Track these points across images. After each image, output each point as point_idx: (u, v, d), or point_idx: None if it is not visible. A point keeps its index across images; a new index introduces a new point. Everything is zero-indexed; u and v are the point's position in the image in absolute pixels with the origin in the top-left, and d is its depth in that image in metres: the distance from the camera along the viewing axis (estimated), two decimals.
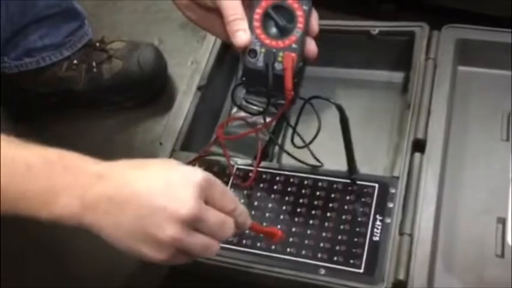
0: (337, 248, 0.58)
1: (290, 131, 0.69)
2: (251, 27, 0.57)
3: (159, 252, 0.44)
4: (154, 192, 0.44)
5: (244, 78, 0.60)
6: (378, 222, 0.58)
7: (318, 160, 0.63)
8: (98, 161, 0.46)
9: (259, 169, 0.65)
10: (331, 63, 0.77)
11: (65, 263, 0.76)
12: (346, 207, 0.60)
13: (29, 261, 0.76)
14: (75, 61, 0.85)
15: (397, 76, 0.75)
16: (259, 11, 0.57)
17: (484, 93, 0.69)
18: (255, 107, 0.70)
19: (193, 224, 0.44)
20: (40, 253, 0.76)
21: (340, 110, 0.55)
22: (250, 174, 0.64)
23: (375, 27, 0.73)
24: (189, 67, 0.88)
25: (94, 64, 0.85)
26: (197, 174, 0.45)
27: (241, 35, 0.56)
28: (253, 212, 0.61)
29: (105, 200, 0.44)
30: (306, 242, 0.58)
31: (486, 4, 0.80)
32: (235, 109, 0.76)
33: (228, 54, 0.78)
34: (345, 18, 0.81)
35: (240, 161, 0.66)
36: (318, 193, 0.62)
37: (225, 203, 0.46)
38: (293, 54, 0.56)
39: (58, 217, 0.44)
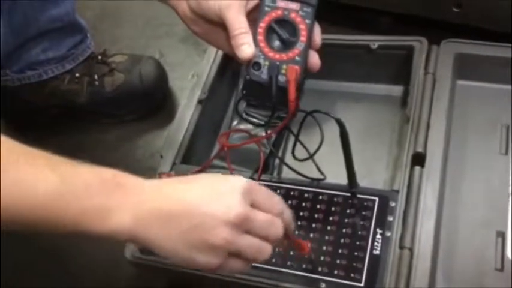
0: (338, 261, 0.58)
1: (290, 144, 0.70)
2: (255, 41, 0.58)
3: (213, 258, 0.46)
4: (202, 202, 0.46)
5: (245, 92, 0.61)
6: (378, 236, 0.58)
7: (321, 172, 0.63)
8: (149, 179, 0.48)
9: (260, 182, 0.65)
10: (331, 76, 0.78)
11: (65, 264, 0.76)
12: (346, 220, 0.60)
13: (29, 264, 0.76)
14: (77, 74, 0.86)
15: (397, 90, 0.76)
16: (262, 25, 0.58)
17: (483, 107, 0.69)
18: (255, 120, 0.70)
19: (243, 226, 0.46)
20: (40, 256, 0.76)
21: (340, 124, 0.56)
22: None
23: (375, 41, 0.74)
24: (190, 80, 0.90)
25: (96, 77, 0.86)
26: (241, 181, 0.47)
27: (246, 49, 0.57)
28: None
29: (156, 214, 0.45)
30: (306, 256, 0.59)
31: (485, 19, 0.81)
32: (235, 122, 0.77)
33: (229, 68, 0.79)
34: (345, 32, 0.82)
35: (241, 174, 0.66)
36: (318, 206, 0.62)
37: (271, 206, 0.48)
38: (296, 67, 0.57)
39: (113, 232, 0.45)
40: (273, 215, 0.48)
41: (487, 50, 0.70)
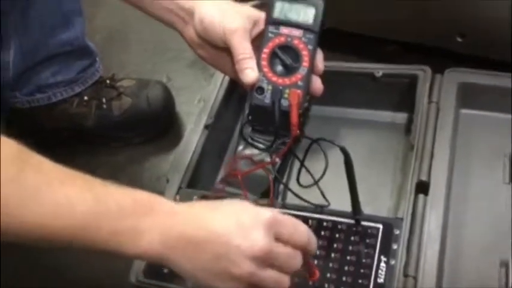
0: None
1: (294, 169, 0.70)
2: (259, 66, 0.59)
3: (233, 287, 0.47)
4: (228, 233, 0.47)
5: (250, 117, 0.62)
6: (383, 264, 0.58)
7: (325, 199, 0.64)
8: (178, 203, 0.51)
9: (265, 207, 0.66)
10: (336, 102, 0.79)
11: (61, 272, 0.76)
12: (350, 248, 0.61)
13: (30, 283, 0.76)
14: (85, 97, 0.87)
15: (401, 117, 0.77)
16: (266, 50, 0.59)
17: (487, 135, 0.70)
18: (260, 145, 0.71)
19: (266, 260, 0.47)
20: (43, 277, 0.76)
21: (345, 153, 0.57)
22: None
23: (379, 69, 0.75)
24: (197, 105, 0.91)
25: (104, 101, 0.87)
26: (265, 214, 0.49)
27: (250, 73, 0.59)
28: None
29: (184, 240, 0.47)
30: (311, 283, 0.59)
31: (487, 48, 0.82)
32: (241, 147, 0.77)
33: (235, 93, 0.80)
34: (350, 59, 0.83)
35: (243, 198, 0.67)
36: (322, 233, 0.63)
37: (296, 239, 0.49)
38: (299, 91, 0.58)
39: (142, 254, 0.47)
40: (297, 247, 0.49)
41: (489, 79, 0.71)
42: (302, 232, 0.50)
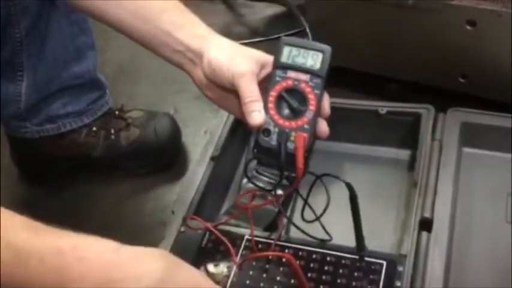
0: None
1: (297, 203, 0.71)
2: (266, 108, 0.60)
3: None
4: None
5: (255, 151, 0.63)
6: None
7: (328, 234, 0.64)
8: (120, 249, 0.47)
9: (267, 240, 0.66)
10: (339, 138, 0.79)
11: None
12: (354, 283, 0.60)
13: None
14: (94, 128, 0.88)
15: (404, 154, 0.78)
16: (273, 93, 0.60)
17: (489, 174, 0.71)
18: (265, 178, 0.72)
19: None
20: None
21: (350, 189, 0.57)
22: (260, 245, 0.65)
23: (383, 107, 0.76)
24: (203, 137, 0.92)
25: (112, 131, 0.88)
26: None
27: (256, 115, 0.59)
28: (261, 285, 0.62)
29: None
30: None
31: (489, 89, 0.84)
32: (245, 180, 0.78)
33: (241, 125, 0.81)
34: (355, 96, 0.85)
35: (248, 232, 0.67)
36: (326, 268, 0.63)
37: None
38: (305, 135, 0.58)
39: None
40: None
41: (490, 119, 0.72)
42: None
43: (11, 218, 0.46)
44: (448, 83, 0.87)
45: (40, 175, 0.92)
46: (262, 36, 1.09)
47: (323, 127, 0.61)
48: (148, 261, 0.47)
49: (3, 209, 0.46)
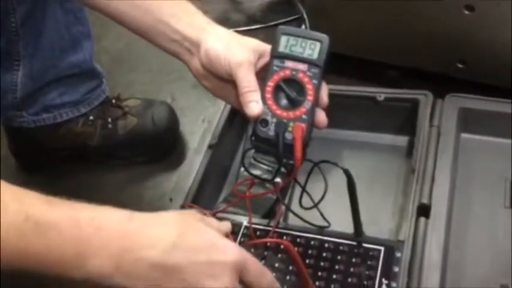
0: None
1: (295, 190, 0.71)
2: (263, 99, 0.60)
3: None
4: (194, 268, 0.47)
5: (253, 139, 0.62)
6: (384, 287, 0.58)
7: (326, 220, 0.64)
8: (133, 217, 0.47)
9: (266, 228, 0.66)
10: (337, 125, 0.79)
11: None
12: (352, 269, 0.61)
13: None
14: (91, 117, 0.88)
15: (402, 140, 0.78)
16: (271, 83, 0.60)
17: (487, 160, 0.71)
18: (263, 166, 0.72)
19: None
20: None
21: (348, 175, 0.57)
22: (258, 233, 0.65)
23: (381, 93, 0.76)
24: (201, 125, 0.92)
25: (109, 120, 0.88)
26: (235, 255, 0.49)
27: (254, 106, 0.59)
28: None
29: (145, 265, 0.46)
30: None
31: (488, 75, 0.84)
32: (243, 168, 0.78)
33: (239, 114, 0.81)
34: (352, 82, 0.85)
35: (246, 219, 0.67)
36: (324, 254, 0.63)
37: (259, 283, 0.50)
38: (303, 125, 0.58)
39: (89, 277, 0.46)
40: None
41: (489, 105, 0.72)
42: (266, 278, 0.51)
43: (28, 193, 0.46)
44: (447, 69, 0.86)
45: (37, 165, 0.92)
46: (260, 23, 1.08)
47: (321, 117, 0.60)
48: (160, 227, 0.48)
49: (18, 187, 0.46)
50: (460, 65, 0.85)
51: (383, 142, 0.79)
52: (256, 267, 0.50)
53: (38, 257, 0.45)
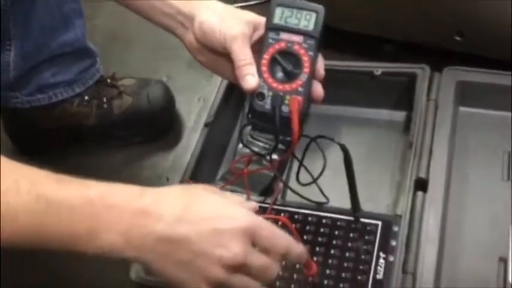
0: (341, 285, 0.58)
1: (293, 167, 0.71)
2: (259, 72, 0.59)
3: None
4: (201, 238, 0.47)
5: (250, 116, 0.62)
6: (381, 260, 0.59)
7: (325, 196, 0.64)
8: (144, 193, 0.48)
9: (263, 205, 0.66)
10: (334, 101, 0.78)
11: (68, 286, 0.77)
12: (349, 244, 0.61)
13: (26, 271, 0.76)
14: (86, 97, 0.87)
15: (399, 115, 0.77)
16: (266, 56, 0.59)
17: (485, 133, 0.70)
18: (260, 143, 0.71)
19: (238, 269, 0.47)
20: (42, 278, 0.77)
21: (345, 150, 0.57)
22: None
23: (378, 68, 0.76)
24: (197, 104, 0.91)
25: (105, 100, 0.87)
26: (244, 220, 0.48)
27: (250, 79, 0.58)
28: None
29: (152, 239, 0.46)
30: (310, 279, 0.59)
31: (487, 48, 0.83)
32: (241, 145, 0.78)
33: (235, 92, 0.80)
34: (349, 58, 0.84)
35: (244, 197, 0.67)
36: (321, 230, 0.63)
37: (274, 247, 0.49)
38: (299, 98, 0.58)
39: (102, 253, 0.46)
40: (275, 255, 0.49)
41: (488, 77, 0.71)
42: (281, 241, 0.49)
43: (38, 172, 0.46)
44: (444, 42, 0.85)
45: (34, 147, 0.92)
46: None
47: (318, 90, 0.60)
48: (169, 200, 0.48)
49: (28, 166, 0.46)
50: (457, 38, 0.84)
51: (380, 117, 0.79)
52: (268, 231, 0.48)
53: (50, 235, 0.45)
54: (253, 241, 0.48)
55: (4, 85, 0.84)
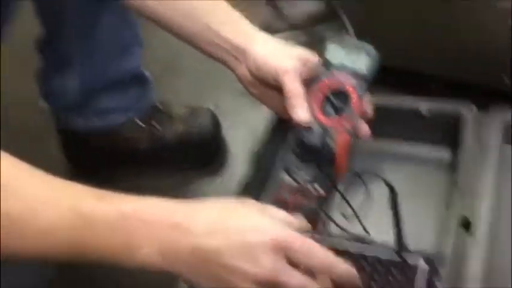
0: None
1: (335, 200, 0.72)
2: (309, 106, 0.61)
3: None
4: (231, 251, 0.46)
5: (296, 147, 0.64)
6: None
7: (366, 231, 0.65)
8: (177, 208, 0.48)
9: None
10: (379, 136, 0.79)
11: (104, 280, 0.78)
12: (392, 283, 0.61)
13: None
14: (139, 122, 0.91)
15: (445, 152, 0.77)
16: (318, 91, 0.61)
17: None
18: (304, 174, 0.73)
19: (270, 285, 0.46)
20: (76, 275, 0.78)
21: (391, 188, 0.58)
22: None
23: (425, 105, 0.76)
24: (244, 132, 0.94)
25: (157, 126, 0.91)
26: (273, 232, 0.46)
27: (300, 112, 0.60)
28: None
29: (185, 253, 0.47)
30: None
31: None
32: (284, 175, 0.79)
33: (282, 122, 0.82)
34: (395, 93, 0.84)
35: None
36: (364, 266, 0.63)
37: (312, 263, 0.46)
38: (347, 136, 0.59)
39: (141, 266, 0.48)
40: (315, 273, 0.46)
41: None
42: (319, 255, 0.47)
43: (75, 186, 0.48)
44: (491, 81, 0.85)
45: (88, 166, 0.95)
46: (302, 31, 1.09)
47: (365, 129, 0.61)
48: (202, 214, 0.48)
49: (68, 181, 0.48)
50: (505, 77, 0.84)
51: (425, 154, 0.78)
52: (301, 243, 0.46)
53: (90, 250, 0.47)
54: (288, 256, 0.46)
55: (64, 108, 0.89)
